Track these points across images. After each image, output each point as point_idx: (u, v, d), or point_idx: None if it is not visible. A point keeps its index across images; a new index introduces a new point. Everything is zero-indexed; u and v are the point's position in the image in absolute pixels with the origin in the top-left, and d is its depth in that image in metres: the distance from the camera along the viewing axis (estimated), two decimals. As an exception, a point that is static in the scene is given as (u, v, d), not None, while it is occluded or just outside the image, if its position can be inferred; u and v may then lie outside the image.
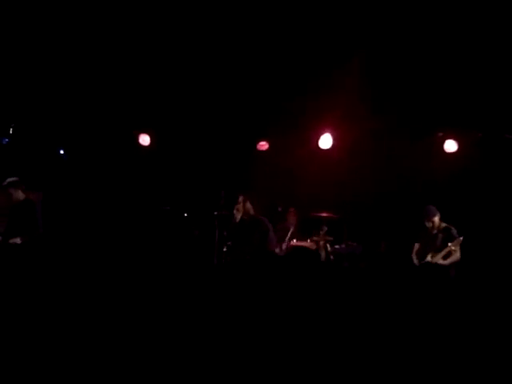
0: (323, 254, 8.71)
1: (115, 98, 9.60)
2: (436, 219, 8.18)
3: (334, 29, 8.34)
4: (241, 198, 7.86)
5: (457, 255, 7.87)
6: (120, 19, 8.17)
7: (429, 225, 8.20)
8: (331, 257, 8.78)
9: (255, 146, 10.10)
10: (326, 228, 8.87)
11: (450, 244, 7.89)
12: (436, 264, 7.86)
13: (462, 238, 7.82)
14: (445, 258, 7.91)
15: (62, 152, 10.51)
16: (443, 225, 8.20)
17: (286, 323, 3.12)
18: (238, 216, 7.76)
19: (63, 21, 8.20)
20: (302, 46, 8.59)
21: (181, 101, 9.66)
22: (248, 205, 7.76)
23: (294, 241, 8.97)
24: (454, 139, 9.38)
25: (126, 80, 9.27)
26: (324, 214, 8.98)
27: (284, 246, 8.84)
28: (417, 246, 8.42)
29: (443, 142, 9.45)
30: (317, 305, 3.28)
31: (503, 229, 8.79)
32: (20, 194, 8.00)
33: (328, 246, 8.88)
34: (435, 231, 8.19)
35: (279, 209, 9.23)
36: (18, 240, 7.64)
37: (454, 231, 8.07)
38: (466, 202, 9.22)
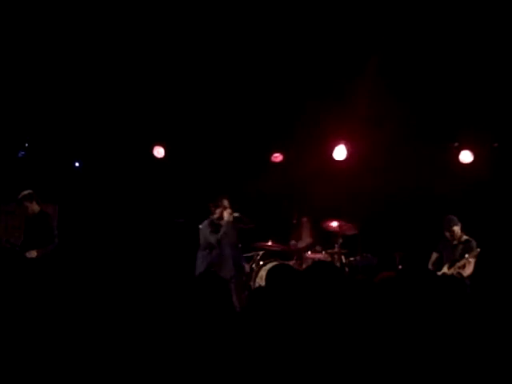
0: (338, 266, 8.67)
1: (130, 110, 9.65)
2: (456, 229, 8.07)
3: (347, 39, 8.35)
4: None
5: (470, 268, 7.72)
6: (135, 33, 8.23)
7: (448, 235, 8.11)
8: (346, 269, 8.74)
9: (269, 158, 10.09)
10: (341, 240, 8.83)
11: (467, 255, 7.80)
12: (452, 275, 7.78)
13: (479, 250, 7.72)
14: (460, 268, 7.84)
15: (77, 164, 10.57)
16: (464, 237, 8.09)
17: (306, 338, 3.10)
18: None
19: (76, 34, 8.27)
20: (315, 56, 8.60)
21: (195, 112, 9.69)
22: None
23: (309, 253, 8.94)
24: (470, 150, 9.32)
25: (140, 92, 9.32)
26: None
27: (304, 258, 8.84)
28: (434, 255, 8.35)
29: (459, 153, 9.39)
30: (334, 319, 3.25)
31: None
32: (35, 207, 8.05)
33: (343, 257, 8.83)
34: (455, 242, 8.09)
35: (294, 221, 9.21)
36: (33, 253, 7.69)
37: (474, 244, 7.95)
38: (481, 213, 9.14)
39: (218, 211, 8.28)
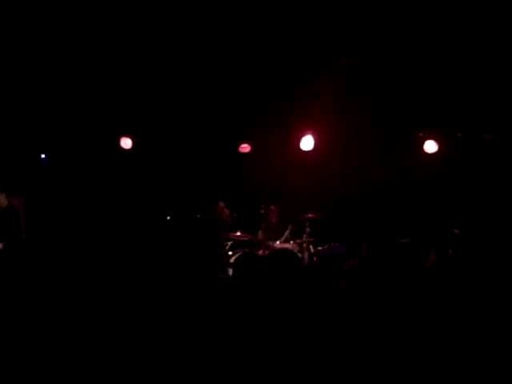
0: (306, 255, 8.75)
1: (97, 101, 9.58)
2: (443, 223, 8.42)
3: (313, 31, 8.40)
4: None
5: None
6: (101, 24, 8.16)
7: (439, 226, 8.42)
8: (314, 258, 8.83)
9: (237, 149, 10.12)
10: (309, 229, 8.91)
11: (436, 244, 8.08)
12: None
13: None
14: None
15: (43, 156, 10.46)
16: (443, 227, 8.38)
17: (267, 326, 3.16)
18: None
19: (43, 25, 8.18)
20: (283, 48, 8.64)
21: (163, 104, 9.66)
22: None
23: (277, 243, 9.01)
24: (434, 139, 9.48)
25: (107, 84, 9.26)
26: (307, 216, 9.02)
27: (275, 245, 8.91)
28: (432, 257, 8.61)
29: (423, 143, 9.54)
30: (296, 307, 3.31)
31: (482, 226, 8.90)
32: (1, 200, 7.96)
33: (311, 247, 8.92)
34: (441, 234, 8.40)
35: (261, 211, 9.27)
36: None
37: (456, 232, 8.28)
38: (446, 201, 9.33)
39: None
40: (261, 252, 8.68)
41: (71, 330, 3.67)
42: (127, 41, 8.54)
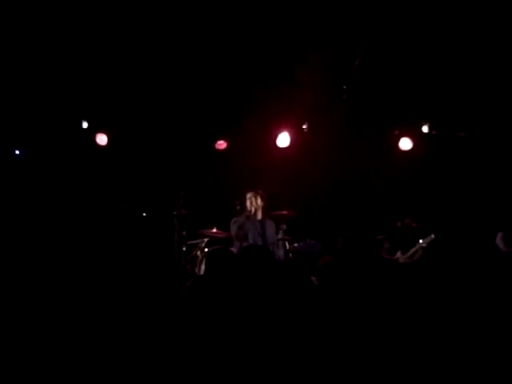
0: (282, 252, 8.75)
1: (72, 97, 9.49)
2: (407, 220, 8.47)
3: (291, 28, 8.41)
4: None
5: (420, 253, 8.14)
6: (77, 19, 8.09)
7: (400, 224, 8.48)
8: (290, 255, 8.83)
9: (213, 145, 10.10)
10: (284, 226, 8.90)
11: (421, 241, 8.14)
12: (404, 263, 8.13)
13: (433, 236, 8.08)
14: (412, 256, 8.19)
15: (17, 152, 10.33)
16: (413, 225, 8.45)
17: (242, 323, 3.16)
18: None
19: (19, 18, 8.08)
20: (259, 44, 8.63)
21: (138, 99, 9.61)
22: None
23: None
24: (409, 137, 9.55)
25: (82, 78, 9.17)
26: (283, 212, 9.01)
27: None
28: (386, 244, 8.68)
29: (398, 140, 9.60)
30: (268, 302, 3.32)
31: (457, 224, 9.00)
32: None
33: (286, 244, 8.91)
34: (407, 230, 8.47)
35: (237, 207, 9.24)
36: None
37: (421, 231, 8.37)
38: (420, 198, 9.43)
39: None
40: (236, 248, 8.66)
41: (45, 329, 3.63)
42: (102, 35, 8.46)
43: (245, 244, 8.07)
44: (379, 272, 4.48)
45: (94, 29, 8.34)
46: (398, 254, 8.35)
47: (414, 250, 8.23)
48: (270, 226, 8.38)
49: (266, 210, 8.33)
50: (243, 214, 8.36)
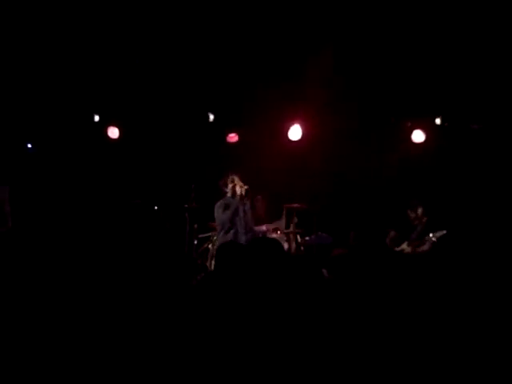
0: (293, 245, 8.75)
1: (84, 91, 9.52)
2: (420, 210, 8.42)
3: (303, 21, 8.38)
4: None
5: (427, 246, 8.11)
6: (85, 16, 8.09)
7: (413, 215, 8.43)
8: (301, 248, 8.83)
9: (225, 138, 10.09)
10: (296, 219, 8.90)
11: (431, 234, 8.10)
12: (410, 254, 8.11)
13: (445, 232, 8.04)
14: (417, 246, 8.18)
15: (29, 146, 10.39)
16: (425, 218, 8.42)
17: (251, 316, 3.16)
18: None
19: (25, 16, 8.10)
20: (270, 38, 8.61)
21: (150, 93, 9.62)
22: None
23: (264, 228, 8.97)
24: (422, 129, 9.49)
25: (95, 72, 9.19)
26: (294, 205, 9.01)
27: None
28: (392, 233, 8.64)
29: (411, 132, 9.55)
30: (277, 294, 3.32)
31: (469, 219, 8.95)
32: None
33: (298, 237, 8.91)
34: (416, 222, 8.43)
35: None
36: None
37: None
38: (432, 191, 9.38)
39: (229, 188, 7.84)
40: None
41: (56, 323, 3.65)
42: (113, 31, 8.47)
43: (235, 229, 7.82)
44: (389, 265, 4.47)
45: (106, 24, 8.34)
46: (404, 245, 8.34)
47: (421, 242, 8.22)
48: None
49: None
50: (231, 197, 7.82)
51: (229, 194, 7.84)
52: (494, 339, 3.28)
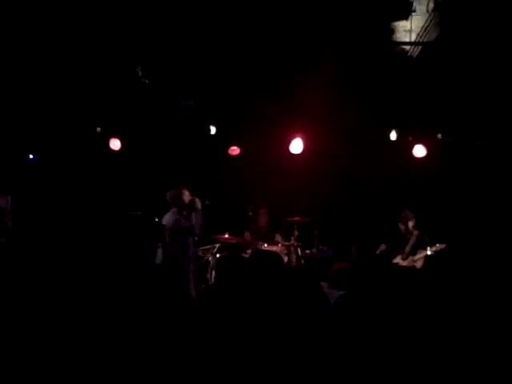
0: (294, 258, 8.74)
1: (86, 102, 9.54)
2: (411, 224, 8.37)
3: (302, 34, 8.40)
4: None
5: (422, 261, 8.08)
6: (86, 24, 8.11)
7: (403, 228, 8.38)
8: (302, 261, 8.83)
9: (227, 151, 10.11)
10: (297, 233, 8.90)
11: (428, 248, 8.07)
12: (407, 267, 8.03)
13: (444, 246, 8.00)
14: (412, 260, 8.15)
15: (31, 156, 10.40)
16: (416, 231, 8.37)
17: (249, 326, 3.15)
18: None
19: (28, 24, 8.12)
20: (270, 51, 8.63)
21: (153, 105, 9.64)
22: None
23: (265, 245, 8.99)
24: (423, 144, 9.51)
25: (97, 84, 9.22)
26: (295, 219, 9.01)
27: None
28: (383, 246, 8.62)
29: (412, 147, 9.56)
30: (278, 306, 3.31)
31: (470, 233, 8.94)
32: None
33: (299, 250, 8.91)
34: (408, 236, 8.39)
35: (250, 213, 9.25)
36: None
37: (427, 238, 8.24)
38: (433, 206, 9.37)
39: (188, 199, 8.07)
40: (248, 254, 8.65)
41: (55, 328, 3.64)
42: (113, 40, 8.49)
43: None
44: (391, 279, 4.46)
45: (108, 37, 8.37)
46: (398, 259, 8.29)
47: (417, 257, 8.16)
48: None
49: None
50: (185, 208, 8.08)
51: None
52: (493, 349, 3.27)
